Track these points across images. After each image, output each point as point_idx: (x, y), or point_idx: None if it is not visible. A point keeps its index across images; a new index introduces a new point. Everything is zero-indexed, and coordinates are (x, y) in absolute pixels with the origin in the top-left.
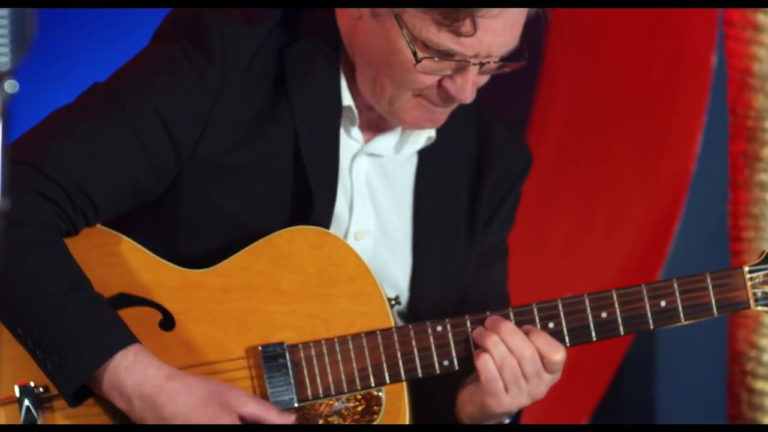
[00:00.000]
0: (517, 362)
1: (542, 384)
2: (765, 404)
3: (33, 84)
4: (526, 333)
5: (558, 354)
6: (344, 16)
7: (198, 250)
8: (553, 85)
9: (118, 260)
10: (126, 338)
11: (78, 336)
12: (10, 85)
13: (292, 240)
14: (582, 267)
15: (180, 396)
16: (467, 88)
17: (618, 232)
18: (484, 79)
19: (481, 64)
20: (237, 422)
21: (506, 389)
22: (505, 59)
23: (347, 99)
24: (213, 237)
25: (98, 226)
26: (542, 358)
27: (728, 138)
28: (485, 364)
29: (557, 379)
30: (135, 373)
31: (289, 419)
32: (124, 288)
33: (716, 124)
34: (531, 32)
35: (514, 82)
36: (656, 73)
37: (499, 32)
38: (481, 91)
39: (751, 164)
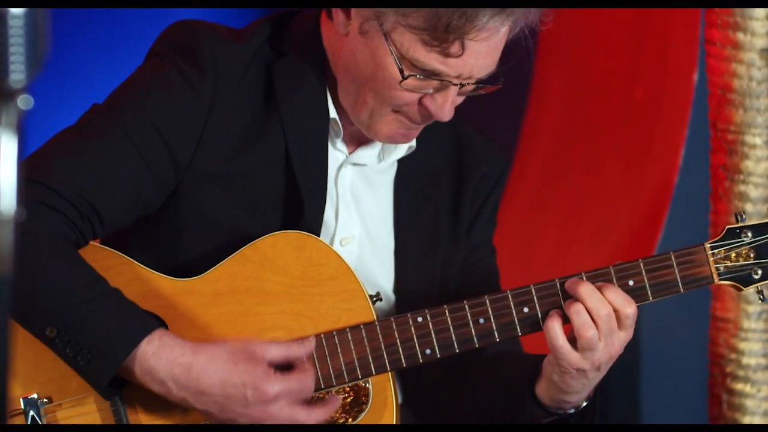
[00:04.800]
0: (596, 327)
1: (617, 342)
2: (744, 405)
3: (46, 99)
4: (599, 289)
5: (629, 308)
6: (330, 31)
7: (196, 257)
8: (542, 100)
9: (111, 274)
10: (148, 325)
11: (103, 330)
12: (25, 101)
13: (275, 244)
14: (569, 274)
15: (209, 367)
16: (446, 106)
17: (604, 240)
18: (460, 99)
19: (461, 85)
20: (268, 370)
21: (582, 356)
22: (482, 81)
23: (332, 112)
24: (210, 244)
25: (90, 242)
26: (616, 311)
27: (709, 151)
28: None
29: (629, 336)
30: (162, 357)
31: (309, 346)
32: None
33: (698, 138)
34: (518, 55)
35: (506, 96)
36: (641, 89)
37: (482, 55)
38: (474, 105)
39: (731, 176)
